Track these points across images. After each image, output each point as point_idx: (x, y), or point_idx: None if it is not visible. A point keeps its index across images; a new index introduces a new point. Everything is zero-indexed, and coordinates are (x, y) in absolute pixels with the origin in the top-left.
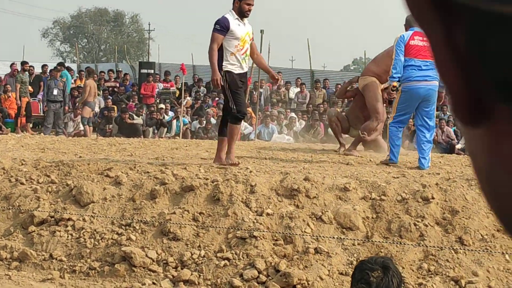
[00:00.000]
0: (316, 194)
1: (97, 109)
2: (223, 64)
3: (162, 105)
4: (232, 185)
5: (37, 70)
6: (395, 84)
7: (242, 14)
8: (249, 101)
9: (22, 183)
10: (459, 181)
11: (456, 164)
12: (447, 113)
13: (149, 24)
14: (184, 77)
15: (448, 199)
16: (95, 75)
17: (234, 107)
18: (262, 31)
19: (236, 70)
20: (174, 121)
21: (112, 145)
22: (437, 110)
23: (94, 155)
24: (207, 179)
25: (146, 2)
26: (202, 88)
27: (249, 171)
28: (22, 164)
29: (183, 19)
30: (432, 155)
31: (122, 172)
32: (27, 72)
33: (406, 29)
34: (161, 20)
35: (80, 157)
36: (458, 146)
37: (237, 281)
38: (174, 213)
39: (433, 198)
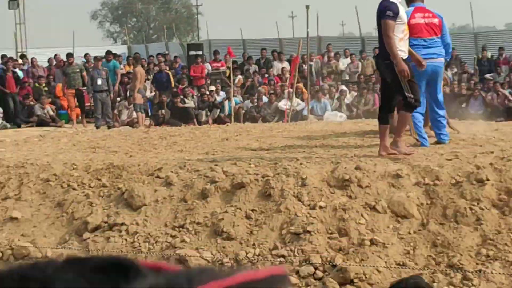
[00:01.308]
0: (368, 183)
1: (148, 94)
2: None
3: (212, 87)
4: (283, 179)
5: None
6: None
7: None
8: (300, 76)
9: (74, 189)
10: None
11: (511, 139)
12: (502, 74)
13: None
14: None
15: (504, 179)
16: (143, 60)
17: (411, 95)
18: (307, 6)
19: (405, 56)
20: (226, 102)
21: (162, 138)
22: (490, 72)
23: (144, 153)
24: (257, 174)
25: None
26: (252, 65)
27: (299, 163)
28: (73, 169)
29: None
30: (486, 127)
31: (172, 172)
32: (76, 63)
33: (408, 5)
34: None
35: (131, 156)
36: None
37: (294, 279)
38: (226, 211)
39: (488, 179)
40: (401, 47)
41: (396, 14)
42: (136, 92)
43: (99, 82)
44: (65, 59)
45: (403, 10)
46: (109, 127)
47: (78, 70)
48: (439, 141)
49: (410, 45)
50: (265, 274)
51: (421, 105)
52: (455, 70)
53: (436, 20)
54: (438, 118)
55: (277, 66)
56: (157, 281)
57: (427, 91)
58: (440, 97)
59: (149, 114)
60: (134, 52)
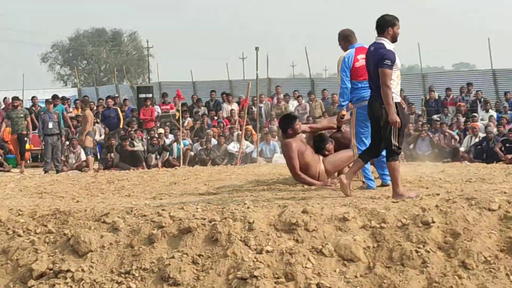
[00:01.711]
0: (315, 226)
1: (97, 137)
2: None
3: (161, 130)
4: (230, 224)
5: (42, 97)
6: (344, 112)
7: (395, 40)
8: (249, 118)
9: (19, 235)
10: (459, 202)
11: (457, 180)
12: (449, 115)
13: (147, 42)
14: (183, 96)
15: (449, 222)
16: (92, 103)
17: (396, 142)
18: (257, 48)
19: (398, 99)
20: (175, 144)
21: (110, 183)
22: (437, 113)
23: (91, 198)
24: (204, 219)
25: (143, 19)
26: (202, 108)
27: (246, 207)
28: (19, 215)
29: (181, 34)
30: (433, 169)
31: (119, 217)
32: (21, 107)
33: (344, 46)
34: (159, 36)
35: (78, 201)
36: (462, 149)
37: None
38: (173, 257)
39: (433, 222)
40: (396, 91)
41: (393, 62)
42: (86, 135)
43: (50, 125)
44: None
45: (397, 56)
46: (57, 172)
47: (22, 115)
48: (383, 183)
49: (356, 88)
50: None
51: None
52: None
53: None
54: (382, 159)
55: (226, 108)
56: None
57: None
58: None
59: (98, 157)
60: (83, 95)
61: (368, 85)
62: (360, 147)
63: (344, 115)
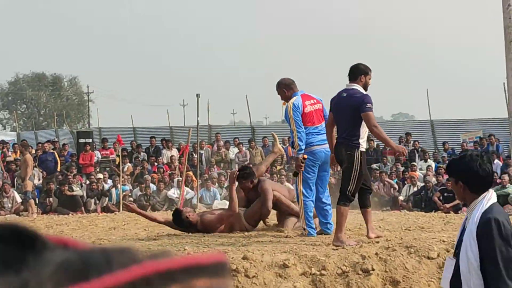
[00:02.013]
0: (256, 273)
1: (36, 181)
2: (360, 142)
3: (100, 175)
4: None
5: None
6: (305, 156)
7: (365, 89)
8: (189, 164)
9: None
10: (399, 249)
11: (396, 228)
12: (388, 164)
13: (87, 87)
14: (123, 142)
15: (389, 269)
16: (31, 147)
17: (352, 189)
18: (198, 95)
19: (363, 149)
20: (113, 190)
21: (49, 227)
22: (377, 162)
23: None
24: None
25: (83, 64)
26: (142, 153)
27: (186, 253)
28: None
29: (122, 80)
30: (372, 217)
31: None
32: None
33: (286, 94)
34: (100, 82)
35: None
36: (401, 198)
37: None
38: None
39: (373, 269)
40: (363, 140)
41: (372, 106)
42: (27, 179)
43: None
44: None
45: None
46: None
47: None
48: (323, 231)
49: (305, 133)
50: (208, 260)
51: (313, 193)
52: None
53: (320, 106)
54: (324, 207)
55: (167, 154)
56: (68, 256)
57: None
58: (326, 184)
59: (37, 201)
60: (22, 139)
61: (315, 131)
62: (307, 194)
63: (305, 158)
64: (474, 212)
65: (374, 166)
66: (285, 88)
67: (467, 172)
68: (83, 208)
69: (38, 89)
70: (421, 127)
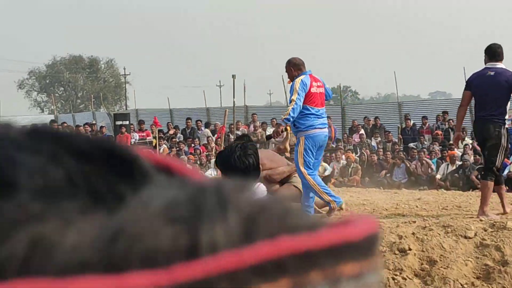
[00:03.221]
0: None
1: None
2: (505, 119)
3: None
4: None
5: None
6: (289, 127)
7: None
8: (225, 145)
9: None
10: (436, 229)
11: (433, 208)
12: (425, 143)
13: (124, 69)
14: (159, 123)
15: (426, 249)
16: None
17: (499, 164)
18: (234, 76)
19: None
20: None
21: None
22: (414, 141)
23: None
24: None
25: (120, 46)
26: (178, 135)
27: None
28: None
29: (158, 62)
30: (409, 197)
31: None
32: None
33: (293, 74)
34: (136, 63)
35: None
36: (438, 176)
37: None
38: None
39: (410, 249)
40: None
41: None
42: None
43: None
44: None
45: None
46: None
47: None
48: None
49: (307, 113)
50: (359, 235)
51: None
52: (379, 139)
53: (323, 90)
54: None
55: (203, 135)
56: (174, 194)
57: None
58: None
59: None
60: (61, 121)
61: (318, 113)
62: (311, 171)
63: (283, 131)
64: None
65: (411, 145)
66: (293, 67)
67: (226, 165)
68: None
69: (75, 72)
70: (458, 105)
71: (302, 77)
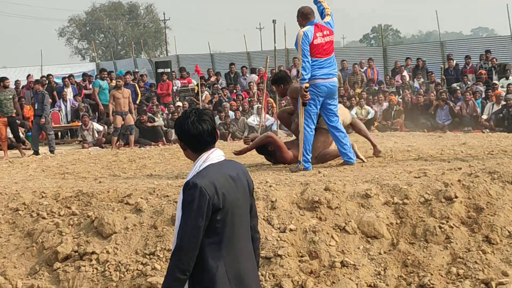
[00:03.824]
0: (338, 204)
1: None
2: None
3: (179, 103)
4: None
5: (59, 72)
6: (307, 85)
7: None
8: (269, 90)
9: (43, 218)
10: (482, 176)
11: (479, 152)
12: (468, 83)
13: (164, 14)
14: (201, 70)
15: (472, 196)
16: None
17: None
18: (274, 21)
19: None
20: None
21: (132, 161)
22: (457, 82)
23: (113, 179)
24: None
25: None
26: (220, 80)
27: (268, 185)
28: (42, 197)
29: (197, 6)
30: (454, 141)
31: (142, 198)
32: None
33: (302, 23)
34: (176, 8)
35: (100, 182)
36: (484, 117)
37: None
38: None
39: (456, 197)
40: None
41: None
42: (116, 115)
43: (36, 106)
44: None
45: None
46: (51, 152)
47: (10, 97)
48: (346, 162)
49: (311, 64)
50: None
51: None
52: (422, 80)
53: (332, 37)
54: (341, 138)
55: (245, 81)
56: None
57: (324, 112)
58: (337, 116)
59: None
60: (102, 68)
61: (320, 64)
62: (310, 126)
63: (308, 87)
64: (191, 173)
65: (455, 85)
66: (301, 17)
67: (181, 131)
68: (164, 138)
69: (115, 18)
70: (502, 43)
71: (305, 29)
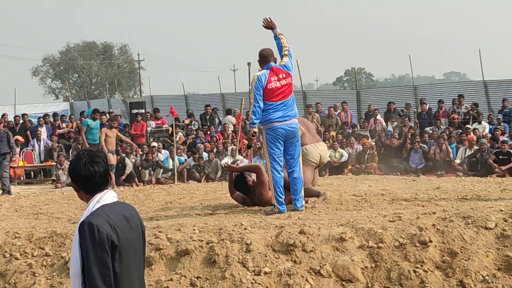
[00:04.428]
0: (313, 247)
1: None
2: None
3: (154, 144)
4: (227, 245)
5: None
6: (255, 130)
7: None
8: (243, 132)
9: (16, 258)
10: (456, 220)
11: (452, 197)
12: (441, 127)
13: (138, 55)
14: (176, 111)
15: (446, 241)
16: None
17: None
18: (249, 64)
19: None
20: (170, 161)
21: None
22: (430, 126)
23: None
24: (202, 240)
25: (133, 32)
26: (194, 122)
27: (243, 228)
28: (16, 238)
29: (172, 47)
30: (428, 185)
31: None
32: None
33: (261, 65)
34: (150, 49)
35: (74, 223)
36: (457, 161)
37: None
38: (171, 279)
39: (430, 241)
40: None
41: None
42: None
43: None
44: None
45: None
46: (3, 190)
47: None
48: (295, 208)
49: (266, 109)
50: None
51: (282, 168)
52: (395, 123)
53: (289, 80)
54: (295, 182)
55: (220, 122)
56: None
57: (284, 153)
58: (297, 159)
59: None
60: (76, 108)
61: (276, 107)
62: (276, 168)
63: (256, 133)
64: (85, 214)
65: (428, 129)
66: (261, 60)
67: (73, 172)
68: (136, 179)
69: (89, 58)
70: (475, 88)
71: (260, 73)
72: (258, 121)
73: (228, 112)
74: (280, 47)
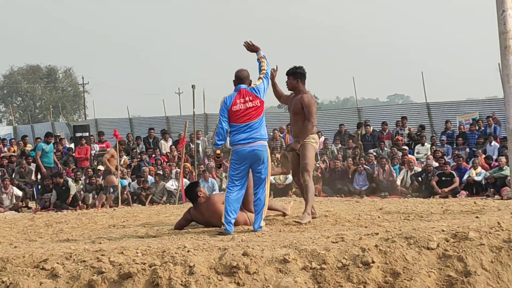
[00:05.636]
0: (256, 269)
1: (33, 177)
2: None
3: (100, 167)
4: (170, 268)
5: None
6: (218, 152)
7: None
8: (187, 155)
9: None
10: (398, 241)
11: (395, 218)
12: (385, 149)
13: (82, 78)
14: (120, 134)
15: (389, 261)
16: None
17: None
18: (193, 86)
19: None
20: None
21: (48, 226)
22: (374, 147)
23: (29, 243)
24: (144, 263)
25: (78, 56)
26: (139, 145)
27: (186, 251)
28: None
29: (116, 70)
30: (371, 206)
31: (58, 263)
32: None
33: (235, 85)
34: (95, 72)
35: (15, 247)
36: (398, 182)
37: None
38: None
39: (373, 262)
40: None
41: None
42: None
43: None
44: None
45: None
46: None
47: None
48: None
49: (231, 130)
50: None
51: (237, 189)
52: (340, 145)
53: (256, 103)
54: (256, 203)
55: (164, 146)
56: None
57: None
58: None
59: (35, 197)
60: (19, 132)
61: (240, 129)
62: (229, 188)
63: (219, 154)
64: None
65: (371, 151)
66: (235, 81)
67: None
68: (80, 202)
69: (33, 82)
70: (418, 110)
71: (227, 95)
72: (222, 142)
73: (165, 136)
74: (259, 70)
